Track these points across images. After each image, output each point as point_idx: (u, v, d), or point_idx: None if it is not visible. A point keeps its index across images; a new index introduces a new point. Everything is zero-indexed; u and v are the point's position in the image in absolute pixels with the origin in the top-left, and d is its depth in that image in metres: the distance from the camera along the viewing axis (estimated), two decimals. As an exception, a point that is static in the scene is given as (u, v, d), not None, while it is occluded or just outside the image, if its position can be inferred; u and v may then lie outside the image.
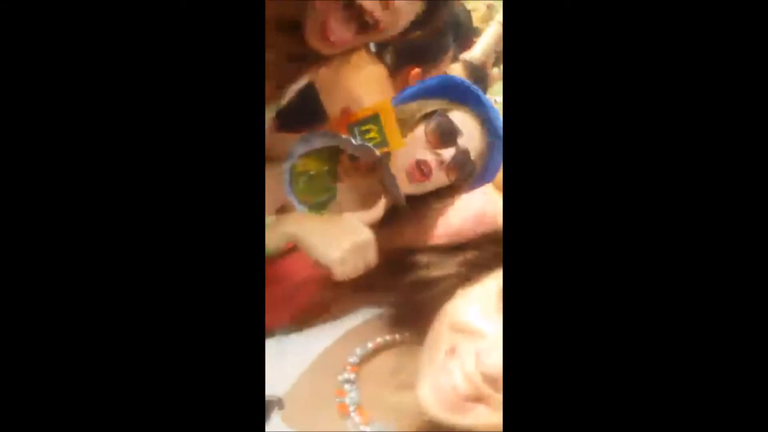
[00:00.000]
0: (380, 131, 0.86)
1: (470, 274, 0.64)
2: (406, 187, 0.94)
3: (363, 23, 0.79)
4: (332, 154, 0.86)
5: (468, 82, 1.03)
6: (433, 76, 1.06)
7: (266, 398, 0.62)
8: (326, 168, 0.86)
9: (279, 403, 0.63)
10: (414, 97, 1.01)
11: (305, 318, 0.75)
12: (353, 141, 0.83)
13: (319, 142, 0.84)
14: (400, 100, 1.01)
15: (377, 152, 0.84)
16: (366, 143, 0.84)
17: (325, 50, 0.83)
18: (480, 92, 1.00)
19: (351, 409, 0.63)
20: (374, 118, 0.87)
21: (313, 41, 0.81)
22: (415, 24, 0.84)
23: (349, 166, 0.87)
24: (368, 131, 0.87)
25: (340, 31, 0.79)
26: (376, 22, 0.79)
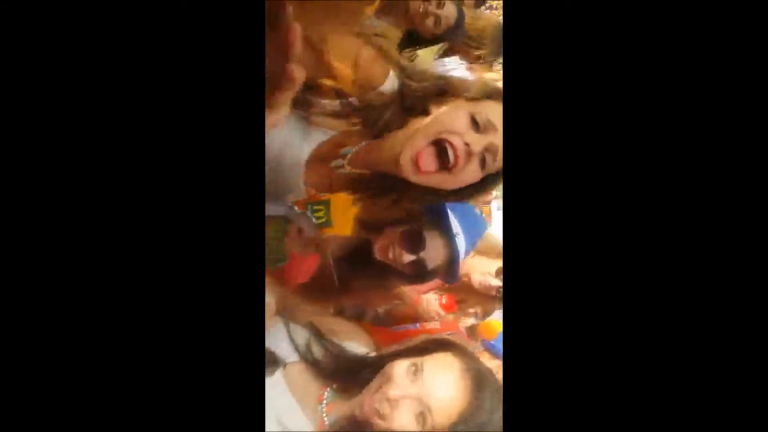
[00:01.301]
0: (327, 214, 1.06)
1: None
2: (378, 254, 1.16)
3: None
4: (283, 226, 1.08)
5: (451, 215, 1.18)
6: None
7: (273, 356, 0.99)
8: (279, 236, 1.09)
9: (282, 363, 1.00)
10: None
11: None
12: (296, 210, 1.04)
13: (274, 210, 1.07)
14: None
15: (314, 221, 1.04)
16: (308, 216, 1.05)
17: None
18: (454, 226, 1.16)
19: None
20: (326, 203, 1.06)
21: None
22: None
23: (296, 238, 1.09)
24: (318, 210, 1.07)
25: None
26: None
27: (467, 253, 1.19)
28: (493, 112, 0.92)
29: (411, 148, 0.90)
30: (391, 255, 1.15)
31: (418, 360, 0.94)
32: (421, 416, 0.89)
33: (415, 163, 0.89)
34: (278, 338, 1.03)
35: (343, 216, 1.06)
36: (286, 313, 1.09)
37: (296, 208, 1.04)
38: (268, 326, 1.01)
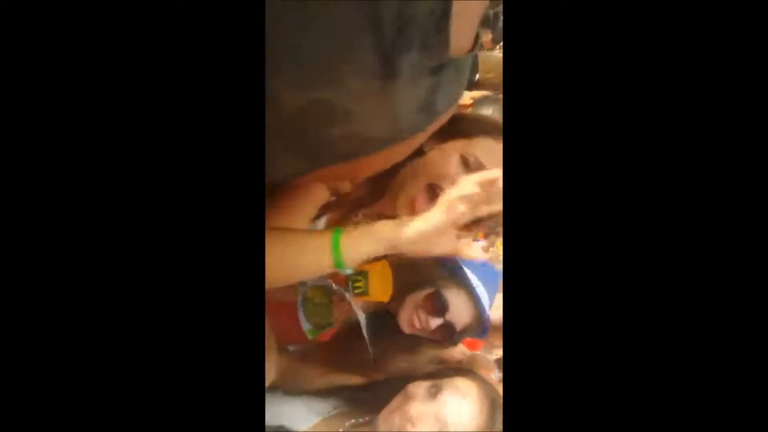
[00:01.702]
0: (365, 284, 1.18)
1: None
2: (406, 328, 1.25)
3: None
4: (328, 293, 1.21)
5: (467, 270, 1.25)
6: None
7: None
8: (326, 301, 1.22)
9: None
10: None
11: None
12: (333, 286, 1.17)
13: (319, 281, 1.20)
14: None
15: (347, 296, 1.17)
16: (343, 290, 1.17)
17: None
18: (471, 279, 1.23)
19: None
20: (364, 274, 1.18)
21: None
22: None
23: (338, 302, 1.21)
24: (357, 281, 1.19)
25: None
26: None
27: (490, 306, 1.28)
28: (486, 148, 0.96)
29: (408, 193, 0.98)
30: (417, 324, 1.22)
31: (437, 381, 1.08)
32: None
33: (411, 206, 0.96)
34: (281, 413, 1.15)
35: (379, 284, 1.18)
36: (285, 385, 1.20)
37: (334, 285, 1.17)
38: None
